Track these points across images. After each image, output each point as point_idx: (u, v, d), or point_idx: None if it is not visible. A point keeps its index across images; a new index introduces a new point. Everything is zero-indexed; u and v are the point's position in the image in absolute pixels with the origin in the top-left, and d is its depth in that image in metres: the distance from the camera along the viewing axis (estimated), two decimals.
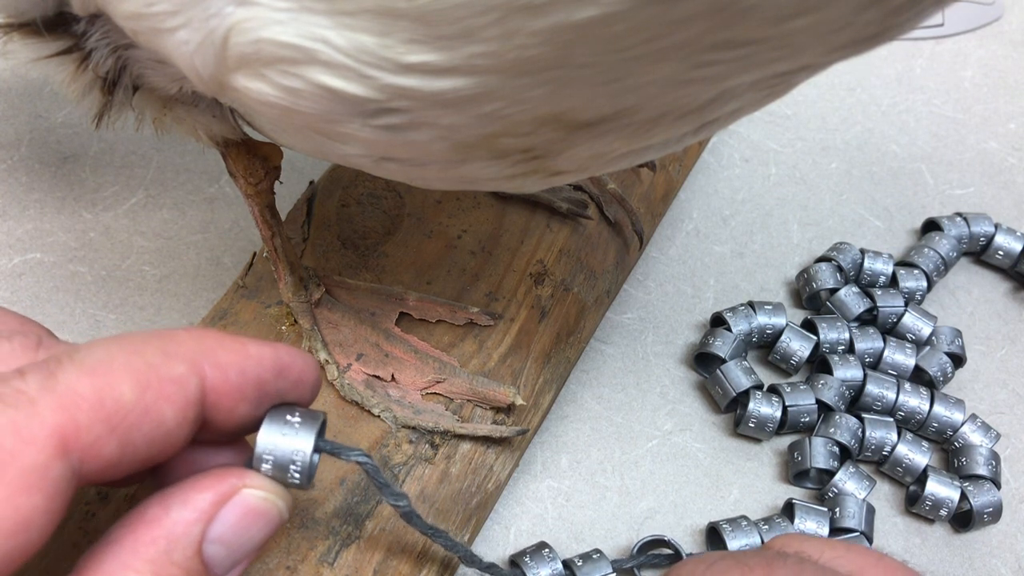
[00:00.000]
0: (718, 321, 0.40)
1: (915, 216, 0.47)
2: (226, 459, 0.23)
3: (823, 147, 0.50)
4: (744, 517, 0.34)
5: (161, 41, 0.22)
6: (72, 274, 0.41)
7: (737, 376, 0.38)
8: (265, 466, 0.23)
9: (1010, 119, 0.52)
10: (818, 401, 0.38)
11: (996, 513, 0.36)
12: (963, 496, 0.36)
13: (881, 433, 0.37)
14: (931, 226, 0.45)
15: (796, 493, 0.37)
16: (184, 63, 0.22)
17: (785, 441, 0.38)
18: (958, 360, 0.40)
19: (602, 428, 0.38)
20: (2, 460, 0.18)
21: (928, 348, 0.40)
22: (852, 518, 0.35)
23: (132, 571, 0.20)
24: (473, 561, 0.30)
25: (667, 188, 0.44)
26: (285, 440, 0.23)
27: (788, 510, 0.35)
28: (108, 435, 0.19)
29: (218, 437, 0.23)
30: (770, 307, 0.40)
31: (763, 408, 0.37)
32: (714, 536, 0.35)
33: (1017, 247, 0.44)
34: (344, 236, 0.38)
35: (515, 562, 0.33)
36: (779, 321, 0.40)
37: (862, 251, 0.43)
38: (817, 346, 0.39)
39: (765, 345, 0.41)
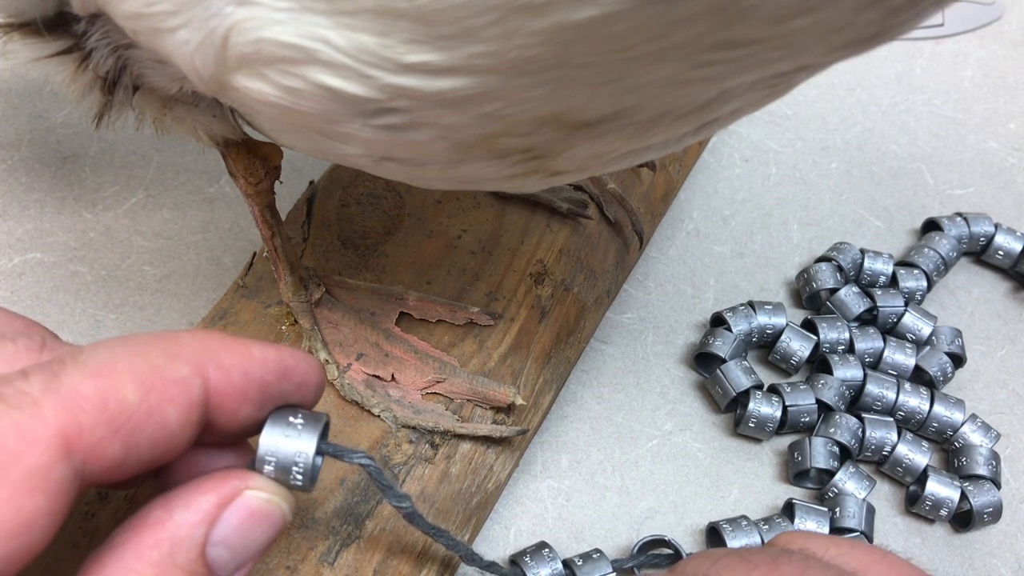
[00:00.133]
0: (718, 321, 0.40)
1: (915, 216, 0.47)
2: (229, 461, 0.23)
3: (823, 147, 0.50)
4: (744, 517, 0.34)
5: (161, 41, 0.22)
6: (72, 274, 0.41)
7: (737, 376, 0.38)
8: (268, 468, 0.23)
9: (1010, 119, 0.52)
10: (818, 401, 0.38)
11: (996, 513, 0.36)
12: (963, 496, 0.36)
13: (881, 433, 0.37)
14: (931, 226, 0.45)
15: (796, 493, 0.37)
16: (184, 63, 0.22)
17: (785, 441, 0.38)
18: (958, 360, 0.40)
19: (602, 428, 0.38)
20: (5, 461, 0.18)
21: (928, 348, 0.40)
22: (852, 518, 0.35)
23: (136, 574, 0.20)
24: (474, 560, 0.30)
25: (667, 188, 0.44)
26: (288, 442, 0.23)
27: (788, 510, 0.35)
28: (111, 437, 0.19)
29: (221, 439, 0.23)
30: (770, 307, 0.40)
31: (763, 408, 0.37)
32: (714, 536, 0.35)
33: (1017, 247, 0.44)
34: (344, 236, 0.38)
35: (515, 562, 0.33)
36: (779, 321, 0.40)
37: (862, 251, 0.43)
38: (817, 346, 0.39)
39: (765, 345, 0.41)
